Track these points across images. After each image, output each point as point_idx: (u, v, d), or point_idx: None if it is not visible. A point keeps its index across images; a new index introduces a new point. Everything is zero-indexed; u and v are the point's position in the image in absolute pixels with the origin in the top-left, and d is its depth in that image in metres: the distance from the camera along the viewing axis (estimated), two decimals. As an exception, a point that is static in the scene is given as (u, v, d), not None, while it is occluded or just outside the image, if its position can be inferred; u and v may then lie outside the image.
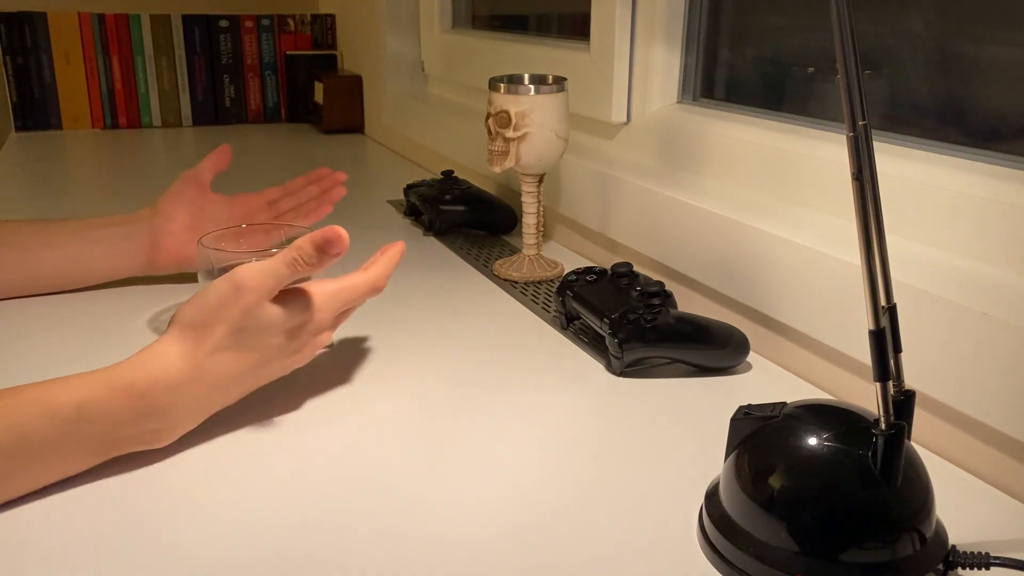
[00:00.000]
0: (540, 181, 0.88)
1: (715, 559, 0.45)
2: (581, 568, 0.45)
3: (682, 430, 0.59)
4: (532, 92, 0.82)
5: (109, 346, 0.72)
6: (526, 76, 0.85)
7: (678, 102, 0.93)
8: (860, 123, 0.39)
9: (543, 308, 0.81)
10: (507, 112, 0.83)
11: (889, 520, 0.42)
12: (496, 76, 0.84)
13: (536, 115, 0.82)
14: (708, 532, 0.46)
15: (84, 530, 0.48)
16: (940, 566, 0.42)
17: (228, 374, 0.56)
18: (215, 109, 1.85)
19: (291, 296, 0.58)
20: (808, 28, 0.81)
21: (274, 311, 0.57)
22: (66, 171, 1.41)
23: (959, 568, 0.43)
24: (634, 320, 0.66)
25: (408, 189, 1.11)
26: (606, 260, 0.96)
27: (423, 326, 0.76)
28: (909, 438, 0.44)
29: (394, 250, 0.66)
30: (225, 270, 0.69)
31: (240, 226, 0.75)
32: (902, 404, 0.43)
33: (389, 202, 1.21)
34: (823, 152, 0.72)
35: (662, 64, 0.92)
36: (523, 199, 0.89)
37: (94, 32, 1.73)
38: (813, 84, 0.80)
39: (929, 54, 0.69)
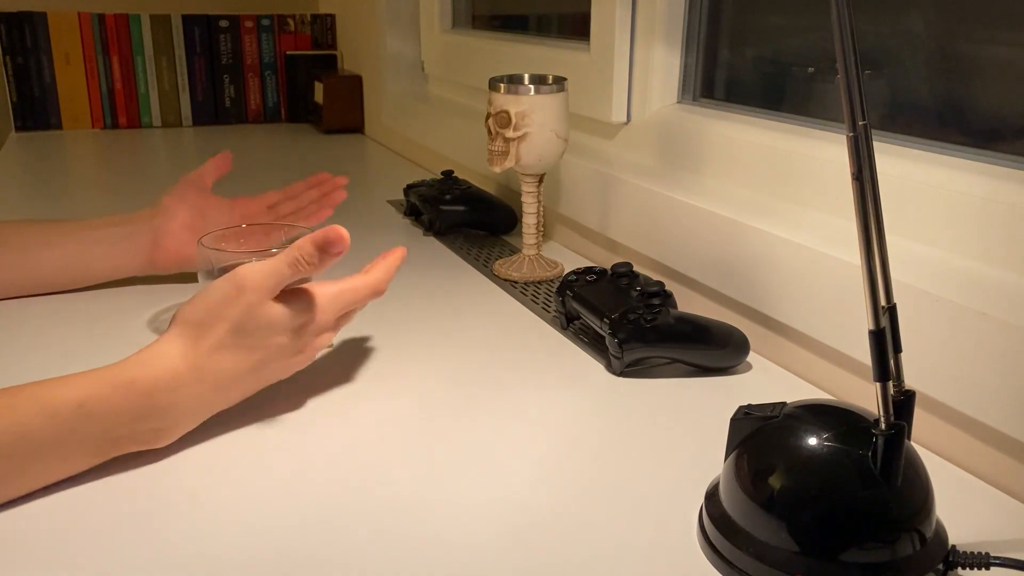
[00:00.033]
0: (540, 181, 0.88)
1: (715, 559, 0.45)
2: (581, 568, 0.45)
3: (682, 430, 0.59)
4: (532, 92, 0.82)
5: (109, 346, 0.72)
6: (526, 76, 0.85)
7: (678, 102, 0.93)
8: (860, 123, 0.39)
9: (543, 308, 0.81)
10: (507, 112, 0.83)
11: (889, 520, 0.42)
12: (496, 76, 0.84)
13: (536, 115, 0.82)
14: (708, 532, 0.46)
15: (84, 529, 0.48)
16: (940, 566, 0.42)
17: (228, 373, 0.56)
18: (215, 109, 1.85)
19: (292, 296, 0.58)
20: (808, 28, 0.81)
21: (275, 310, 0.57)
22: (66, 171, 1.41)
23: (959, 568, 0.43)
24: (634, 320, 0.66)
25: (408, 189, 1.11)
26: (606, 260, 0.96)
27: (423, 326, 0.76)
28: (909, 438, 0.44)
29: (395, 255, 0.66)
30: (225, 270, 0.69)
31: (240, 226, 0.75)
32: (902, 404, 0.43)
33: (389, 202, 1.21)
34: (823, 152, 0.72)
35: (662, 64, 0.92)
36: (523, 199, 0.89)
37: (94, 32, 1.73)
38: (813, 84, 0.80)
39: (929, 54, 0.69)
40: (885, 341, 0.41)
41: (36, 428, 0.49)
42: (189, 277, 0.84)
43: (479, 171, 1.20)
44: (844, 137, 0.54)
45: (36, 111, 1.74)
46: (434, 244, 1.01)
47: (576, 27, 1.11)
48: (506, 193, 1.17)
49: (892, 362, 0.42)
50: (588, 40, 0.98)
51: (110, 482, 0.52)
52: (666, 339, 0.66)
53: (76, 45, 1.73)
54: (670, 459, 0.55)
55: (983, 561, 0.42)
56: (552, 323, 0.78)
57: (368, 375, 0.67)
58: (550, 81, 0.84)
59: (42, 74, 1.73)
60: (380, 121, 1.67)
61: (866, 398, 0.63)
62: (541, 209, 0.90)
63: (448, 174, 1.09)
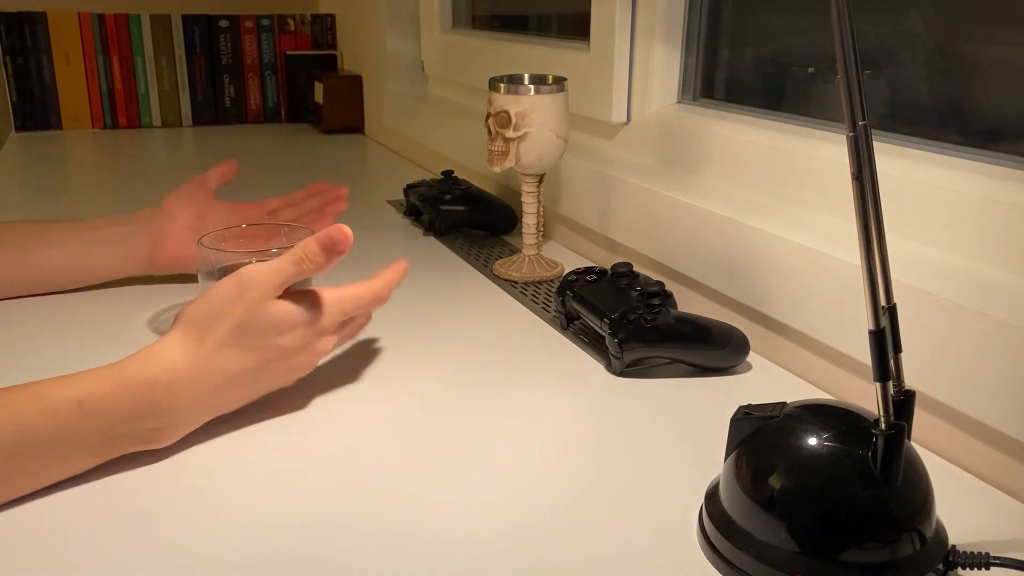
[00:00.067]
0: (540, 181, 0.88)
1: (715, 559, 0.45)
2: (581, 568, 0.45)
3: (682, 430, 0.59)
4: (532, 92, 0.82)
5: (109, 346, 0.72)
6: (526, 76, 0.85)
7: (678, 102, 0.93)
8: (860, 123, 0.39)
9: (543, 308, 0.81)
10: (507, 112, 0.83)
11: (889, 520, 0.42)
12: (496, 76, 0.84)
13: (536, 115, 0.82)
14: (708, 532, 0.46)
15: (85, 530, 0.48)
16: (940, 566, 0.42)
17: (230, 373, 0.56)
18: (215, 109, 1.85)
19: (295, 296, 0.59)
20: (808, 28, 0.81)
21: (278, 308, 0.57)
22: (66, 171, 1.41)
23: (959, 568, 0.43)
24: (634, 320, 0.66)
25: (408, 189, 1.11)
26: (606, 260, 0.96)
27: (423, 326, 0.76)
28: (909, 438, 0.44)
29: (397, 266, 0.66)
30: (225, 270, 0.69)
31: (240, 226, 0.75)
32: (902, 404, 0.43)
33: (389, 202, 1.21)
34: (823, 152, 0.72)
35: (662, 64, 0.92)
36: (523, 199, 0.89)
37: (94, 32, 1.73)
38: (813, 84, 0.80)
39: (929, 54, 0.69)
40: (885, 341, 0.41)
41: (37, 427, 0.49)
42: (189, 278, 0.84)
43: (479, 171, 1.20)
44: (844, 137, 0.54)
45: (36, 111, 1.74)
46: (434, 244, 1.01)
47: (576, 27, 1.11)
48: (506, 193, 1.17)
49: (892, 362, 0.42)
50: (588, 40, 0.98)
51: (111, 482, 0.52)
52: (666, 339, 0.66)
53: (76, 45, 1.73)
54: (670, 459, 0.55)
55: (983, 561, 0.42)
56: (552, 323, 0.78)
57: (368, 375, 0.67)
58: (550, 81, 0.84)
59: (42, 74, 1.73)
60: (380, 121, 1.67)
61: (866, 398, 0.63)
62: (541, 209, 0.90)
63: (448, 174, 1.09)
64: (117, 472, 0.53)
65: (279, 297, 0.57)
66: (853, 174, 0.39)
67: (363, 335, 0.74)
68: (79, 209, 1.16)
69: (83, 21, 1.72)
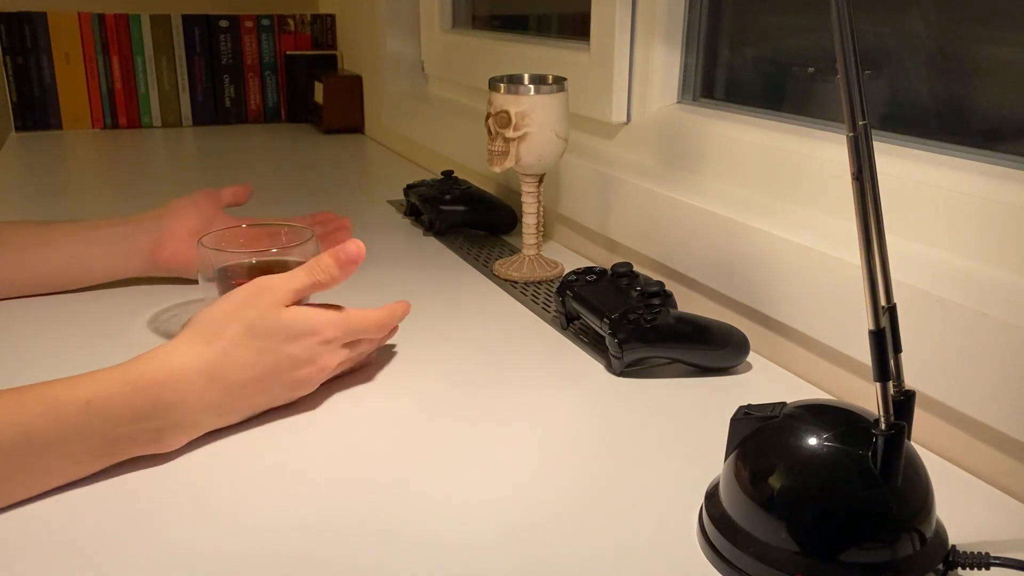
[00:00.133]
0: (540, 181, 0.88)
1: (715, 559, 0.45)
2: (581, 568, 0.45)
3: (682, 430, 0.59)
4: (532, 92, 0.82)
5: (109, 346, 0.72)
6: (526, 76, 0.85)
7: (678, 102, 0.93)
8: (860, 123, 0.39)
9: (543, 308, 0.81)
10: (507, 112, 0.83)
11: (889, 520, 0.42)
12: (496, 76, 0.84)
13: (536, 115, 0.82)
14: (708, 532, 0.46)
15: (86, 530, 0.48)
16: (940, 566, 0.42)
17: (238, 376, 0.56)
18: (215, 109, 1.85)
19: (305, 307, 0.60)
20: (808, 28, 0.81)
21: (288, 314, 0.58)
22: (66, 171, 1.41)
23: (959, 568, 0.43)
24: (634, 320, 0.66)
25: (408, 189, 1.11)
26: (606, 260, 0.96)
27: (423, 326, 0.76)
28: (909, 438, 0.44)
29: (402, 303, 0.68)
30: (225, 271, 0.69)
31: (240, 226, 0.75)
32: (902, 404, 0.43)
33: (389, 202, 1.21)
34: (823, 152, 0.72)
35: (662, 64, 0.92)
36: (523, 199, 0.89)
37: (94, 32, 1.73)
38: (813, 84, 0.80)
39: (929, 54, 0.69)
40: (885, 341, 0.41)
41: (42, 427, 0.49)
42: (190, 278, 0.84)
43: (479, 171, 1.20)
44: (844, 137, 0.54)
45: (36, 111, 1.74)
46: (434, 244, 1.01)
47: (576, 27, 1.11)
48: (506, 193, 1.17)
49: (892, 362, 0.42)
50: (588, 40, 0.98)
51: (113, 484, 0.52)
52: (666, 339, 0.66)
53: (76, 45, 1.73)
54: (670, 459, 0.55)
55: (983, 561, 0.42)
56: (552, 323, 0.78)
57: (368, 375, 0.67)
58: (550, 81, 0.84)
59: (42, 74, 1.73)
60: (380, 121, 1.67)
61: (866, 398, 0.63)
62: (541, 209, 0.90)
63: (448, 174, 1.09)
64: (119, 474, 0.53)
65: (289, 306, 0.59)
66: (853, 174, 0.39)
67: (363, 335, 0.74)
68: (79, 209, 1.16)
69: (83, 21, 1.72)
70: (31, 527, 0.48)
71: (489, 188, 1.21)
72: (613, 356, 0.67)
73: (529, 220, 0.89)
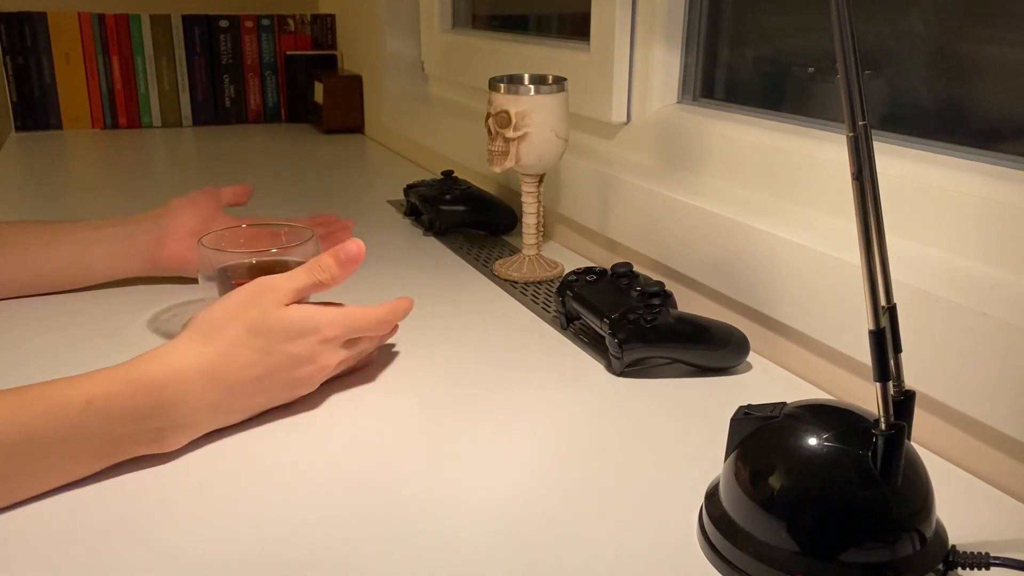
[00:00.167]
0: (540, 181, 0.88)
1: (715, 559, 0.45)
2: (581, 568, 0.45)
3: (682, 430, 0.59)
4: (532, 92, 0.82)
5: (109, 346, 0.72)
6: (526, 76, 0.85)
7: (678, 102, 0.93)
8: (860, 123, 0.39)
9: (543, 308, 0.81)
10: (507, 112, 0.83)
11: (889, 520, 0.42)
12: (496, 76, 0.84)
13: (536, 115, 0.82)
14: (708, 532, 0.46)
15: (85, 530, 0.48)
16: (940, 566, 0.42)
17: (238, 376, 0.56)
18: (215, 109, 1.85)
19: (306, 305, 0.60)
20: (808, 28, 0.81)
21: (288, 313, 0.58)
22: (66, 171, 1.41)
23: (959, 568, 0.43)
24: (634, 320, 0.66)
25: (408, 189, 1.11)
26: (606, 260, 0.96)
27: (423, 326, 0.76)
28: (909, 438, 0.44)
29: (404, 300, 0.68)
30: (225, 271, 0.69)
31: (240, 226, 0.75)
32: (902, 404, 0.43)
33: (389, 202, 1.21)
34: (823, 152, 0.72)
35: (662, 64, 0.92)
36: (523, 199, 0.89)
37: (94, 32, 1.73)
38: (813, 84, 0.80)
39: (929, 54, 0.69)
40: (885, 341, 0.41)
41: (42, 427, 0.49)
42: (190, 279, 0.84)
43: (479, 171, 1.20)
44: (844, 137, 0.54)
45: (36, 111, 1.74)
46: (434, 244, 1.01)
47: (576, 27, 1.11)
48: (506, 193, 1.17)
49: (892, 362, 0.42)
50: (588, 40, 0.98)
51: (113, 483, 0.52)
52: (666, 339, 0.66)
53: (76, 45, 1.73)
54: (670, 459, 0.55)
55: (983, 561, 0.42)
56: (552, 323, 0.78)
57: (368, 375, 0.67)
58: (550, 81, 0.84)
59: (42, 74, 1.73)
60: (380, 121, 1.67)
61: (866, 398, 0.63)
62: (541, 209, 0.90)
63: (448, 174, 1.09)
64: (119, 474, 0.53)
65: (289, 306, 0.59)
66: (853, 174, 0.39)
67: (363, 335, 0.74)
68: (79, 209, 1.16)
69: (83, 21, 1.72)
70: (31, 527, 0.48)
71: (489, 188, 1.21)
72: (613, 356, 0.67)
73: (529, 220, 0.89)
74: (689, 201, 0.78)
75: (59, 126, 1.76)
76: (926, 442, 0.59)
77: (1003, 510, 0.51)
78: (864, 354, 0.61)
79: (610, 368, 0.68)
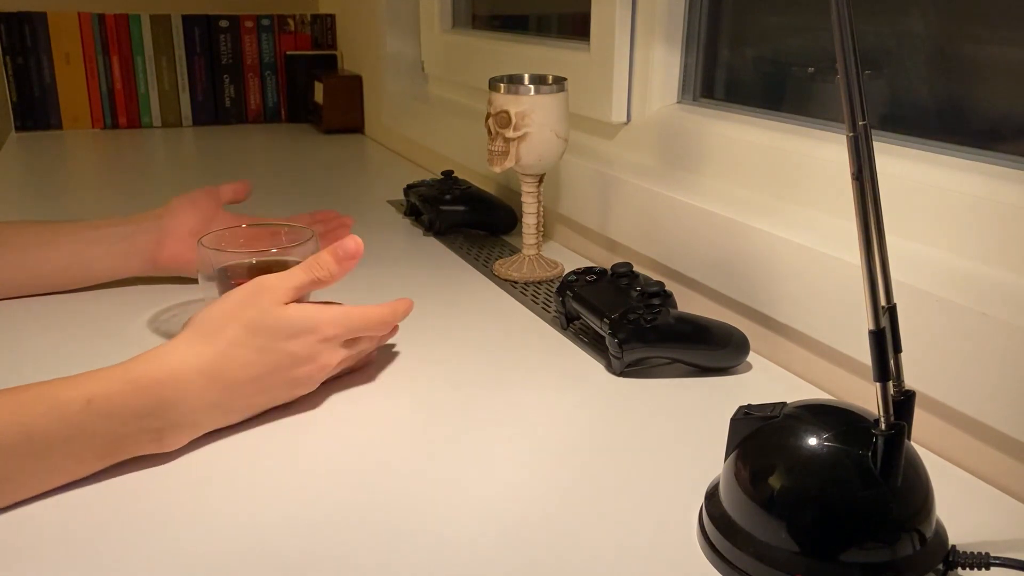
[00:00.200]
0: (540, 181, 0.88)
1: (715, 559, 0.45)
2: (581, 568, 0.45)
3: (682, 430, 0.59)
4: (532, 92, 0.82)
5: (109, 346, 0.72)
6: (526, 76, 0.85)
7: (678, 102, 0.93)
8: (860, 123, 0.39)
9: (543, 308, 0.81)
10: (507, 112, 0.83)
11: (889, 520, 0.42)
12: (496, 76, 0.84)
13: (536, 115, 0.82)
14: (708, 532, 0.46)
15: (85, 530, 0.48)
16: (940, 566, 0.42)
17: (238, 375, 0.56)
18: (215, 109, 1.85)
19: (305, 304, 0.60)
20: (808, 28, 0.81)
21: (288, 312, 0.58)
22: (66, 171, 1.41)
23: (959, 568, 0.43)
24: (634, 320, 0.66)
25: (408, 189, 1.11)
26: (606, 260, 0.96)
27: (423, 326, 0.76)
28: (909, 438, 0.44)
29: (404, 301, 0.68)
30: (225, 271, 0.69)
31: (240, 226, 0.75)
32: (902, 404, 0.43)
33: (389, 202, 1.21)
34: (823, 152, 0.72)
35: (662, 64, 0.92)
36: (523, 199, 0.89)
37: (94, 32, 1.73)
38: (813, 84, 0.80)
39: (929, 54, 0.69)
40: (885, 341, 0.41)
41: (43, 427, 0.49)
42: (190, 279, 0.84)
43: (479, 171, 1.20)
44: (844, 137, 0.54)
45: (36, 111, 1.74)
46: (434, 244, 1.01)
47: (576, 27, 1.11)
48: (506, 193, 1.17)
49: (892, 362, 0.42)
50: (588, 40, 0.98)
51: (113, 483, 0.52)
52: (666, 339, 0.66)
53: (76, 45, 1.73)
54: (670, 459, 0.55)
55: (983, 561, 0.42)
56: (552, 323, 0.78)
57: (368, 375, 0.67)
58: (550, 81, 0.84)
59: (42, 74, 1.73)
60: (380, 121, 1.67)
61: (866, 398, 0.63)
62: (541, 209, 0.90)
63: (448, 174, 1.09)
64: (119, 474, 0.53)
65: (289, 304, 0.59)
66: (853, 174, 0.39)
67: (363, 335, 0.74)
68: (79, 209, 1.16)
69: (83, 21, 1.72)
70: (31, 527, 0.48)
71: (489, 188, 1.21)
72: (613, 356, 0.67)
73: (529, 220, 0.89)
74: (689, 201, 0.78)
75: (59, 126, 1.76)
76: (926, 442, 0.59)
77: (1003, 510, 0.51)
78: (864, 354, 0.61)
79: (610, 368, 0.68)
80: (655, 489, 0.52)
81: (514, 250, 0.99)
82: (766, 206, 0.75)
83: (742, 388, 0.66)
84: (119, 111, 1.79)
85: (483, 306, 0.82)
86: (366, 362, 0.68)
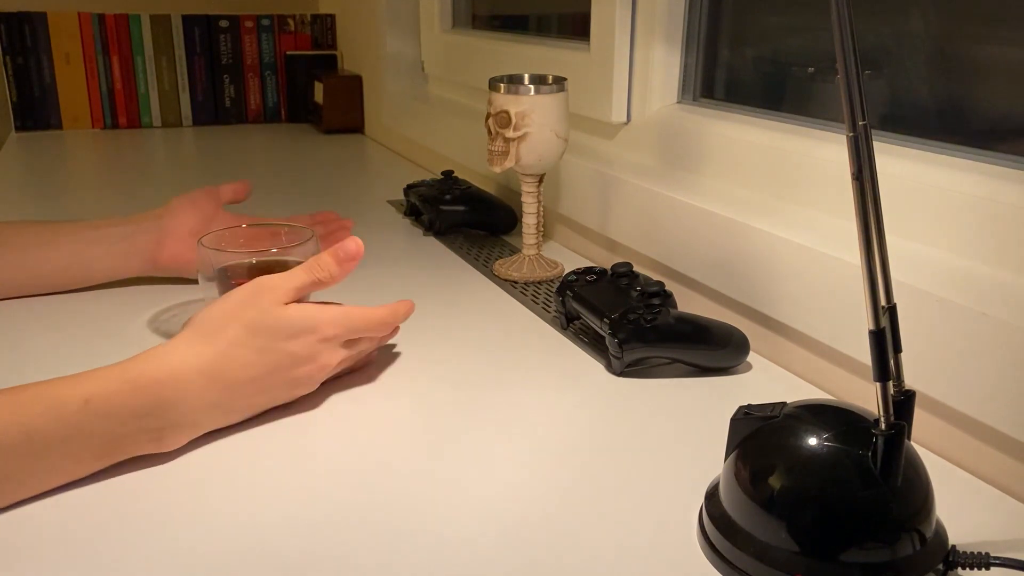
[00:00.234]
0: (540, 181, 0.88)
1: (715, 559, 0.45)
2: (581, 568, 0.45)
3: (682, 430, 0.59)
4: (532, 92, 0.82)
5: (109, 346, 0.72)
6: (526, 76, 0.85)
7: (678, 102, 0.93)
8: (860, 123, 0.39)
9: (543, 308, 0.81)
10: (507, 112, 0.83)
11: (889, 520, 0.42)
12: (496, 76, 0.84)
13: (536, 115, 0.82)
14: (708, 532, 0.46)
15: (85, 530, 0.48)
16: (940, 566, 0.42)
17: (238, 375, 0.56)
18: (215, 109, 1.85)
19: (306, 304, 0.60)
20: (808, 28, 0.81)
21: (288, 312, 0.58)
22: (66, 171, 1.41)
23: (959, 568, 0.43)
24: (634, 320, 0.66)
25: (408, 189, 1.11)
26: (606, 260, 0.96)
27: (423, 326, 0.76)
28: (909, 438, 0.44)
29: (405, 303, 0.68)
30: (225, 271, 0.69)
31: (240, 226, 0.75)
32: (902, 404, 0.43)
33: (389, 202, 1.21)
34: (823, 152, 0.72)
35: (662, 64, 0.92)
36: (523, 199, 0.89)
37: (94, 32, 1.73)
38: (813, 84, 0.80)
39: (929, 54, 0.69)
40: (885, 341, 0.41)
41: (41, 426, 0.49)
42: (190, 278, 0.84)
43: (479, 171, 1.20)
44: (844, 137, 0.54)
45: (36, 111, 1.74)
46: (434, 244, 1.01)
47: (576, 27, 1.11)
48: (506, 193, 1.17)
49: (892, 362, 0.42)
50: (588, 40, 0.98)
51: (113, 483, 0.52)
52: (666, 339, 0.66)
53: (76, 45, 1.73)
54: (670, 459, 0.55)
55: (983, 561, 0.42)
56: (552, 323, 0.78)
57: (368, 375, 0.67)
58: (550, 81, 0.84)
59: (42, 74, 1.73)
60: (380, 121, 1.67)
61: (866, 398, 0.63)
62: (541, 209, 0.90)
63: (448, 174, 1.09)
64: (119, 474, 0.53)
65: (289, 305, 0.59)
66: (853, 174, 0.39)
67: (363, 335, 0.74)
68: (79, 209, 1.16)
69: (83, 21, 1.72)
70: (31, 527, 0.48)
71: (489, 188, 1.21)
72: (613, 356, 0.67)
73: (529, 220, 0.89)
74: (689, 201, 0.78)
75: (59, 126, 1.76)
76: (926, 442, 0.59)
77: (1003, 510, 0.51)
78: (864, 354, 0.61)
79: (610, 368, 0.68)
80: (655, 489, 0.52)
81: (514, 250, 0.99)
82: (766, 206, 0.75)
83: (742, 388, 0.65)
84: (119, 111, 1.79)
85: (483, 306, 0.82)
86: (366, 362, 0.68)
